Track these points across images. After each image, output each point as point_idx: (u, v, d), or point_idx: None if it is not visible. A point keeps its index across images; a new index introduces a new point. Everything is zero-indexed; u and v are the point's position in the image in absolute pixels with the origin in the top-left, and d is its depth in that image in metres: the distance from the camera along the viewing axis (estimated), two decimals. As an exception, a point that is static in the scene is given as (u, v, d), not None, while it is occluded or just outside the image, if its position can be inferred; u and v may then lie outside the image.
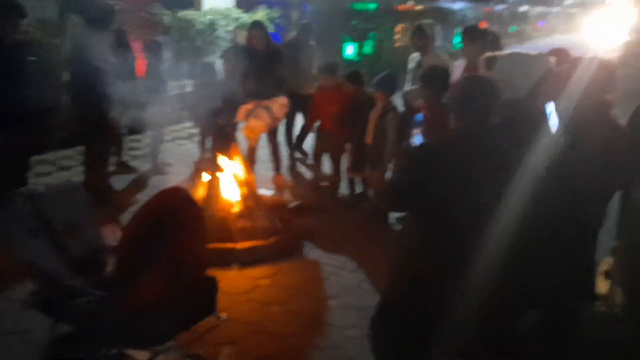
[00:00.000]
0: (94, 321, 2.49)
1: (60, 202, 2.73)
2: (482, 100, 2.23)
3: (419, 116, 4.59)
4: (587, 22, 32.25)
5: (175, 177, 5.82)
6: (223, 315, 2.81)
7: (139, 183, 5.75)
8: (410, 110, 4.79)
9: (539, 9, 38.08)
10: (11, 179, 4.20)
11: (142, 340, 2.54)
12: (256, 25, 5.69)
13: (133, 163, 6.20)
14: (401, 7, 18.12)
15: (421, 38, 5.14)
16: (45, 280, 2.56)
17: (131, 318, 2.47)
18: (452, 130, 2.32)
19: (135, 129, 6.33)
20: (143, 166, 6.15)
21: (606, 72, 2.69)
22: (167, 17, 8.30)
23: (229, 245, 4.13)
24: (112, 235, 2.90)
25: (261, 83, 5.28)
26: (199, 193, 4.41)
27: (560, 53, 4.12)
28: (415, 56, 5.36)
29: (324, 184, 5.73)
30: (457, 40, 22.69)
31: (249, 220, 4.45)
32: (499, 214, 2.10)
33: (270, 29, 10.24)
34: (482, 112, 2.24)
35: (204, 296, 2.65)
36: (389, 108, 4.82)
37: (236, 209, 4.47)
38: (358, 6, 15.56)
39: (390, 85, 4.81)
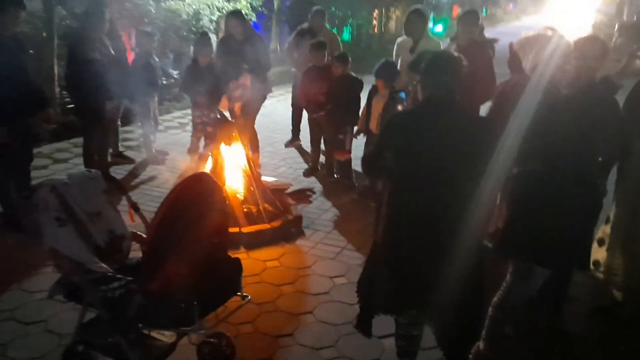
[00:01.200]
0: (123, 305, 2.58)
1: (82, 191, 2.78)
2: (444, 73, 2.44)
3: (403, 94, 4.73)
4: (554, 3, 32.74)
5: (171, 166, 5.90)
6: (247, 295, 2.92)
7: (137, 172, 5.80)
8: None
9: (509, -8, 38.66)
10: (18, 172, 4.25)
11: (170, 322, 2.64)
12: (233, 13, 5.71)
13: (128, 153, 6.22)
14: (377, -8, 18.24)
15: (417, 23, 5.23)
16: (73, 268, 2.63)
17: (159, 301, 2.57)
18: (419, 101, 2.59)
19: (129, 120, 6.35)
20: (138, 156, 6.19)
21: (602, 48, 2.81)
22: (152, 7, 8.25)
23: (235, 229, 4.24)
24: (130, 221, 2.98)
25: (239, 71, 5.33)
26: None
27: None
28: (404, 40, 5.45)
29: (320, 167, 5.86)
30: (432, 25, 22.97)
31: (253, 205, 4.57)
32: (464, 176, 2.34)
33: (252, 17, 10.32)
34: (443, 83, 2.43)
35: (230, 277, 2.76)
36: (395, 96, 4.86)
37: (240, 194, 4.57)
38: (335, -8, 15.60)
39: (391, 72, 4.88)
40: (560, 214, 2.63)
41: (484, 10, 27.40)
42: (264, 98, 5.84)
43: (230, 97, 5.38)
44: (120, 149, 6.18)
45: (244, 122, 5.36)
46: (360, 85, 5.35)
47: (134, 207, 3.00)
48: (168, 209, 2.49)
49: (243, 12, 9.45)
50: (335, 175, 5.69)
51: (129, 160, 6.03)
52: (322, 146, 5.87)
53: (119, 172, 5.67)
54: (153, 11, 8.25)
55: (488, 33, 5.74)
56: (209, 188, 2.59)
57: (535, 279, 2.83)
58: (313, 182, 5.68)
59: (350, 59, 5.45)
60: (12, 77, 3.90)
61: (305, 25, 6.58)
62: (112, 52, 5.17)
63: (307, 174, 5.86)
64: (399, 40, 5.60)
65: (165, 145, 6.46)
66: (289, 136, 6.87)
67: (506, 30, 21.85)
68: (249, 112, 5.59)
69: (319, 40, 5.70)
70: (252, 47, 5.45)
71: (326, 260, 4.12)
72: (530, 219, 2.69)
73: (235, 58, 5.37)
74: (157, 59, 6.18)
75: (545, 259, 2.72)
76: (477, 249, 2.47)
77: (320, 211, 5.00)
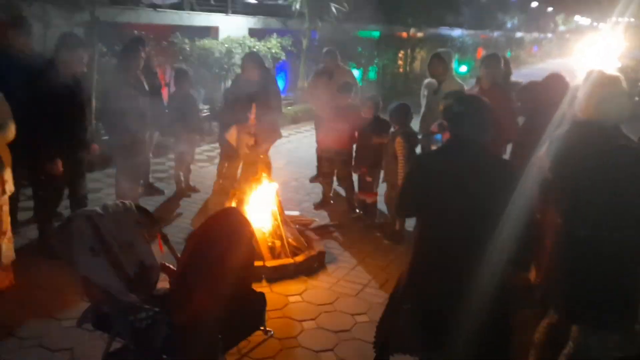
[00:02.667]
0: (150, 336, 2.63)
1: (115, 222, 2.89)
2: (472, 119, 2.50)
3: (439, 136, 4.79)
4: (580, 47, 32.84)
5: (199, 198, 6.03)
6: (270, 330, 2.94)
7: (167, 204, 5.94)
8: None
9: (534, 35, 38.96)
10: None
11: (195, 355, 2.67)
12: (250, 55, 5.82)
13: (159, 185, 6.39)
14: (403, 34, 18.58)
15: (440, 65, 5.37)
16: (104, 297, 2.70)
17: (186, 333, 2.62)
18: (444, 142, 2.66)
19: (161, 152, 6.54)
20: (168, 188, 6.35)
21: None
22: (187, 45, 8.59)
23: (259, 262, 4.29)
24: (159, 252, 3.06)
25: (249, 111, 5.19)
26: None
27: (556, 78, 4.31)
28: (430, 82, 5.58)
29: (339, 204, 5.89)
30: (455, 65, 23.21)
31: (277, 239, 4.63)
32: (490, 217, 2.35)
33: (282, 56, 10.64)
34: (469, 126, 2.50)
35: (254, 311, 2.80)
36: (398, 132, 5.00)
37: (265, 227, 4.64)
38: (362, 34, 15.96)
39: (404, 115, 5.01)
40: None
41: (508, 52, 27.57)
42: (272, 142, 5.74)
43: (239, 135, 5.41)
44: (151, 180, 6.35)
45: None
46: (388, 127, 5.45)
47: (164, 238, 3.09)
48: (197, 243, 2.57)
49: (261, 54, 9.78)
50: (358, 211, 5.73)
51: (159, 192, 6.18)
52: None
53: (149, 203, 5.80)
54: (188, 49, 8.59)
55: (512, 75, 5.85)
56: (238, 223, 2.66)
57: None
58: (334, 217, 5.72)
59: (380, 102, 5.55)
60: (70, 114, 4.16)
61: (320, 66, 6.74)
62: (147, 87, 5.39)
63: (318, 206, 5.90)
64: (425, 81, 5.73)
65: (194, 178, 6.61)
66: (313, 171, 6.95)
67: (531, 72, 21.90)
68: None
69: (346, 82, 5.84)
70: (265, 89, 5.42)
71: (348, 297, 4.13)
72: (595, 284, 2.51)
73: (246, 97, 5.24)
74: (195, 94, 6.40)
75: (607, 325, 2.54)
76: (503, 292, 2.44)
77: (343, 247, 5.03)
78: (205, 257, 2.56)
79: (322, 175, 5.99)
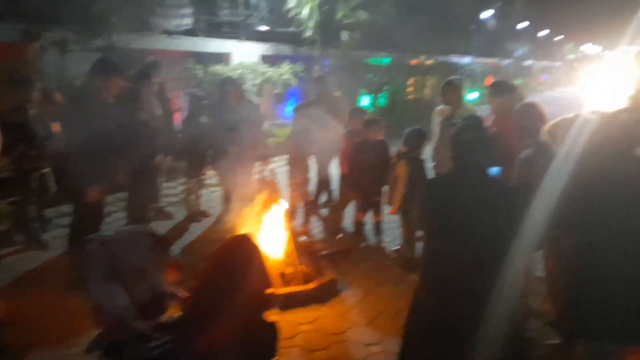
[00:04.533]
0: (161, 363, 2.58)
1: (129, 247, 2.86)
2: (474, 149, 2.57)
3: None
4: (588, 75, 32.74)
5: (211, 223, 6.01)
6: (283, 360, 2.88)
7: (178, 229, 5.92)
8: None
9: (542, 63, 39.16)
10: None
11: (205, 383, 2.62)
12: (227, 81, 5.75)
13: (170, 209, 6.38)
14: (413, 61, 18.75)
15: (453, 92, 5.36)
16: (115, 324, 2.67)
17: (196, 361, 2.56)
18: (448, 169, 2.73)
19: (173, 176, 6.55)
20: (179, 212, 6.34)
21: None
22: (199, 71, 8.70)
23: (270, 290, 4.23)
24: (173, 280, 3.02)
25: (231, 138, 5.26)
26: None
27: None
28: (443, 109, 5.57)
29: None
30: (466, 93, 23.32)
31: (289, 265, 4.57)
32: (497, 243, 2.39)
33: (294, 82, 10.76)
34: (480, 156, 2.56)
35: (266, 341, 2.75)
36: (404, 155, 4.99)
37: (276, 253, 4.60)
38: (373, 61, 16.14)
39: (419, 140, 5.03)
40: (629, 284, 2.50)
41: (518, 80, 27.67)
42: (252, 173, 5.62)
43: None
44: (162, 204, 6.35)
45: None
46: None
47: (176, 265, 3.06)
48: (209, 271, 2.53)
49: (272, 81, 9.86)
50: (372, 237, 5.68)
51: (168, 217, 6.17)
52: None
53: (157, 228, 5.79)
54: (201, 74, 8.70)
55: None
56: (250, 251, 2.63)
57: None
58: (344, 244, 5.66)
59: (381, 123, 5.55)
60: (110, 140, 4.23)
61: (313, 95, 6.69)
62: (160, 112, 5.43)
63: (329, 233, 5.84)
64: (437, 108, 5.71)
65: (205, 202, 6.61)
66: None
67: (541, 99, 21.95)
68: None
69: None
70: (246, 117, 5.38)
71: (361, 326, 4.05)
72: (599, 294, 2.54)
73: (225, 124, 5.25)
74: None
75: (624, 337, 2.54)
76: (513, 319, 2.44)
77: (355, 274, 4.95)
78: (217, 286, 2.52)
79: (342, 204, 5.93)
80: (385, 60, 17.09)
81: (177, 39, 9.76)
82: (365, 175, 5.38)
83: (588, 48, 54.81)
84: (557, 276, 2.73)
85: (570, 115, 3.06)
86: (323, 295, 4.42)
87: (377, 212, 5.57)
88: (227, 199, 6.04)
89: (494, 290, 2.35)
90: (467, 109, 5.37)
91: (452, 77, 5.66)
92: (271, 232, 4.66)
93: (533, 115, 4.04)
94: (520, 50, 33.04)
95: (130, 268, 2.83)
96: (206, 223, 6.12)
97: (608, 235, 2.52)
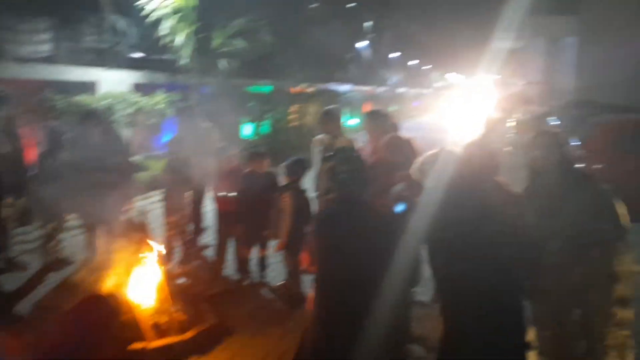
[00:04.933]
0: None
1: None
2: (348, 175, 2.79)
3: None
4: (452, 101, 35.55)
5: (70, 272, 5.36)
6: None
7: (31, 281, 5.18)
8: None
9: (414, 91, 42.01)
10: None
11: None
12: (89, 114, 5.29)
13: (23, 259, 5.60)
14: (294, 89, 18.99)
15: (331, 122, 5.35)
16: None
17: None
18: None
19: (26, 221, 5.79)
20: (34, 262, 5.59)
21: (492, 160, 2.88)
22: (60, 102, 7.91)
23: (140, 344, 3.78)
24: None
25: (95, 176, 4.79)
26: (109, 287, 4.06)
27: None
28: (322, 138, 5.53)
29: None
30: (345, 119, 24.15)
31: (163, 315, 4.15)
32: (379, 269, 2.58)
33: (171, 112, 10.24)
34: (349, 184, 2.79)
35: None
36: (288, 187, 4.88)
37: (148, 303, 4.16)
38: (254, 89, 16.06)
39: (300, 170, 4.92)
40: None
41: (392, 107, 29.25)
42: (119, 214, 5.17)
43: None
44: (13, 254, 5.56)
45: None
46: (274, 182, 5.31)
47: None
48: (59, 339, 2.13)
49: (146, 111, 9.35)
50: (256, 273, 5.42)
51: (22, 268, 5.42)
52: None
53: (7, 281, 5.04)
54: (63, 105, 7.91)
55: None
56: (107, 315, 2.28)
57: None
58: (225, 283, 5.34)
59: (264, 154, 5.40)
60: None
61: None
62: (8, 149, 4.78)
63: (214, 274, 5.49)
64: (317, 137, 5.66)
65: (66, 248, 5.89)
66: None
67: (413, 125, 23.37)
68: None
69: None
70: (111, 152, 5.04)
71: (246, 374, 3.75)
72: (468, 323, 2.51)
73: (88, 161, 4.85)
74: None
75: None
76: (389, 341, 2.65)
77: (240, 316, 4.64)
78: (68, 351, 2.12)
79: (222, 241, 5.55)
80: (266, 88, 17.09)
81: (31, 66, 8.83)
82: (252, 209, 5.14)
83: (452, 77, 59.87)
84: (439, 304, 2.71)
85: (435, 150, 3.14)
86: (203, 344, 4.06)
87: (263, 247, 5.34)
88: (90, 244, 5.43)
89: (373, 312, 2.56)
90: (345, 138, 5.37)
91: (329, 107, 5.69)
92: (141, 278, 4.23)
93: (400, 150, 4.18)
94: (393, 78, 35.11)
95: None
96: (66, 272, 5.44)
97: (473, 266, 2.51)
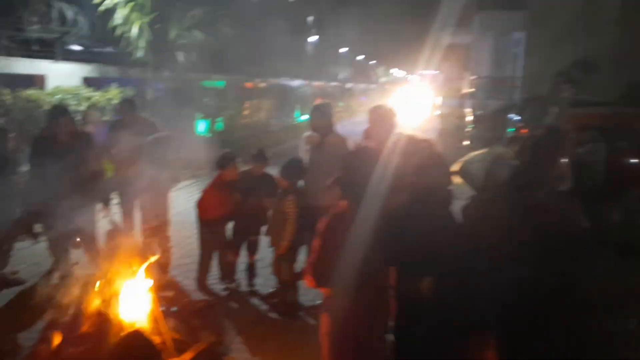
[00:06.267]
0: None
1: None
2: None
3: None
4: (396, 96, 35.99)
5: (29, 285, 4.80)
6: None
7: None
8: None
9: (361, 86, 42.26)
10: None
11: None
12: (58, 110, 4.74)
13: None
14: (248, 84, 18.51)
15: (321, 118, 5.04)
16: None
17: None
18: None
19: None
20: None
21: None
22: (7, 96, 7.13)
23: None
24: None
25: (69, 178, 4.34)
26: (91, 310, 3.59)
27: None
28: (311, 136, 5.22)
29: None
30: (297, 114, 23.87)
31: (156, 335, 3.71)
32: None
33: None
34: None
35: None
36: (290, 190, 4.55)
37: (139, 323, 3.71)
38: (207, 84, 15.45)
39: (298, 172, 4.59)
40: None
41: (341, 102, 29.22)
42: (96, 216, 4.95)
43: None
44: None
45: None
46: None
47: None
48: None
49: (101, 107, 8.69)
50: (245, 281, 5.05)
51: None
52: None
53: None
54: (8, 101, 7.13)
55: (347, 122, 5.72)
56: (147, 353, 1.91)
57: None
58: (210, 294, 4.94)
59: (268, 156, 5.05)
60: None
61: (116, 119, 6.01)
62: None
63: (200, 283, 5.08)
64: (305, 134, 5.34)
65: (14, 263, 5.25)
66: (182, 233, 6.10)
67: (363, 119, 23.39)
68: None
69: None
70: (82, 152, 4.60)
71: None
72: None
73: (59, 164, 4.37)
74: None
75: None
76: None
77: (236, 331, 4.27)
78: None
79: (207, 248, 5.11)
80: (219, 83, 16.50)
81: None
82: (245, 213, 4.77)
83: (396, 72, 60.85)
84: None
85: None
86: (204, 365, 3.67)
87: (253, 252, 4.98)
88: (60, 255, 4.87)
89: None
90: (336, 135, 5.07)
91: (319, 103, 5.40)
92: (128, 296, 3.77)
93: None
94: (342, 74, 35.11)
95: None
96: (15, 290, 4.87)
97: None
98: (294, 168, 4.56)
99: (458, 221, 2.68)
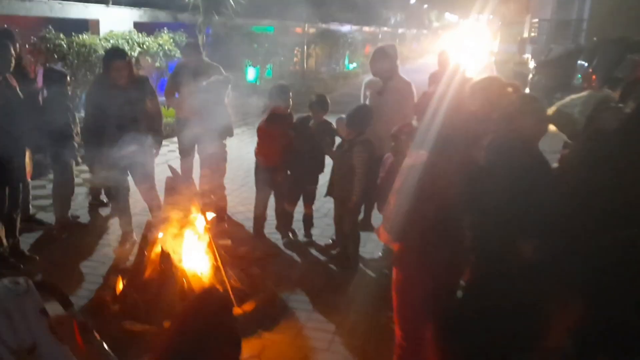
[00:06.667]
0: None
1: (7, 318, 1.84)
2: None
3: None
4: (451, 42, 34.45)
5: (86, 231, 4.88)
6: None
7: (54, 242, 4.69)
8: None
9: (413, 31, 40.64)
10: None
11: None
12: (116, 53, 4.53)
13: (41, 215, 5.10)
14: (297, 29, 18.01)
15: (385, 61, 4.70)
16: None
17: None
18: None
19: (40, 173, 5.20)
20: (48, 218, 5.09)
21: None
22: (62, 41, 7.09)
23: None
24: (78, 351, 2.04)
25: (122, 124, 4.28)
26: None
27: None
28: (373, 81, 4.92)
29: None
30: (346, 61, 23.21)
31: (217, 284, 3.67)
32: None
33: (177, 53, 9.40)
34: None
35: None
36: (356, 141, 4.28)
37: (199, 273, 3.68)
38: (257, 29, 15.10)
39: (367, 121, 4.25)
40: None
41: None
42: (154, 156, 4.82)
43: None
44: (32, 211, 5.02)
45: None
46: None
47: (82, 327, 2.07)
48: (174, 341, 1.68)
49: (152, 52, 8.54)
50: (298, 234, 4.94)
51: (43, 225, 4.90)
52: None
53: (28, 242, 4.55)
54: (65, 45, 7.09)
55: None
56: (222, 309, 1.80)
57: None
58: (266, 244, 4.86)
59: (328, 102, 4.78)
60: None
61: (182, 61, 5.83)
62: (21, 94, 4.12)
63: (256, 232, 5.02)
64: (366, 80, 5.06)
65: (75, 206, 5.33)
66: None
67: (416, 67, 22.48)
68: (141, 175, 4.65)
69: (281, 83, 5.00)
70: (140, 96, 4.44)
71: (320, 352, 3.33)
72: None
73: (118, 108, 4.28)
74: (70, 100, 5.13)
75: None
76: None
77: (295, 282, 4.19)
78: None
79: (262, 197, 4.98)
80: (269, 28, 16.11)
81: (30, 2, 7.89)
82: (303, 161, 4.59)
83: (449, 16, 58.12)
84: None
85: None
86: (265, 316, 3.62)
87: (311, 203, 4.84)
88: (115, 202, 4.86)
89: None
90: (402, 80, 4.75)
91: (383, 44, 5.03)
92: (190, 244, 3.73)
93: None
94: (394, 19, 33.77)
95: (12, 349, 1.82)
96: (85, 229, 4.95)
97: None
98: (362, 117, 4.23)
99: (556, 174, 2.40)
